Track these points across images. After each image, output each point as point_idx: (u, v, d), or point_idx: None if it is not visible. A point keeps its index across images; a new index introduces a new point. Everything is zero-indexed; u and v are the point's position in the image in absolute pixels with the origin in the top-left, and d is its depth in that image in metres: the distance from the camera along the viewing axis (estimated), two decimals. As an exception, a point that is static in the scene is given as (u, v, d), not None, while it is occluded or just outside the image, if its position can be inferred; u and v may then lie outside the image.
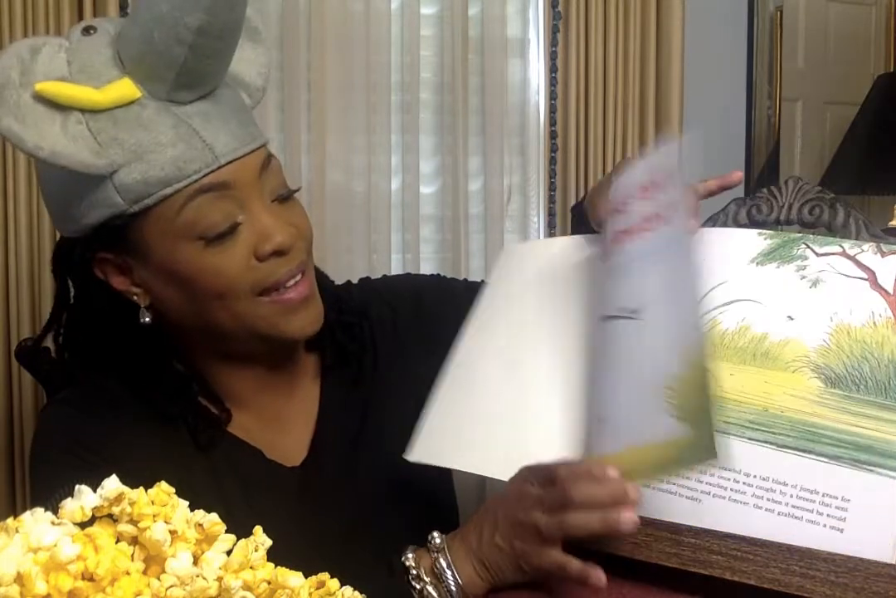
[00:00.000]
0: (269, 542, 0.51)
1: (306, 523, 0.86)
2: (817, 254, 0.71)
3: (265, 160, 0.81)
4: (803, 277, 0.71)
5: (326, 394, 0.93)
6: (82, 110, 0.75)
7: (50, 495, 0.55)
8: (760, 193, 0.76)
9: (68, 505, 0.47)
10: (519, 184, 1.86)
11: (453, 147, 1.76)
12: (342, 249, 1.71)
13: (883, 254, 0.69)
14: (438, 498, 0.94)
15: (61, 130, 0.74)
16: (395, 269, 1.78)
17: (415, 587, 0.75)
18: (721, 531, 0.66)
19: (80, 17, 1.50)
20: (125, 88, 0.75)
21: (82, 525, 0.47)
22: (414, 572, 0.75)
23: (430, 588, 0.75)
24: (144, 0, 0.74)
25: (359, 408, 0.94)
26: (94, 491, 0.48)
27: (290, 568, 0.51)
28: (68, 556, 0.44)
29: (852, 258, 0.70)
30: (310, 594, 0.51)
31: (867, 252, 0.69)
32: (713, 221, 0.78)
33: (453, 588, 0.75)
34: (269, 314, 0.81)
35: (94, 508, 0.47)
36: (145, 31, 0.73)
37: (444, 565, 0.75)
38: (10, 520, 0.46)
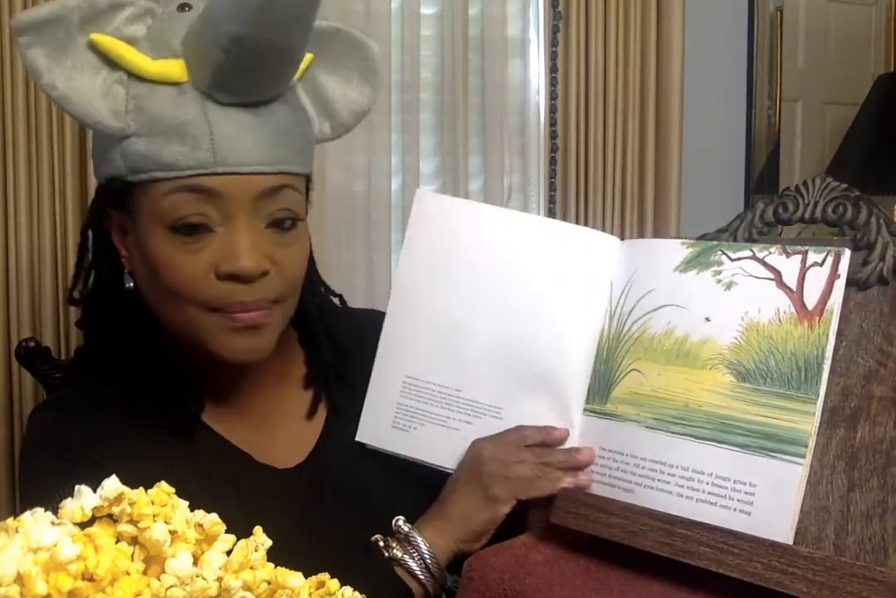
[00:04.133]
0: (269, 542, 0.51)
1: (301, 525, 0.85)
2: (731, 259, 0.75)
3: (274, 188, 0.78)
4: (719, 281, 0.75)
5: (330, 401, 0.94)
6: (129, 73, 0.77)
7: (37, 497, 0.54)
8: (788, 191, 0.78)
9: (68, 505, 0.47)
10: (519, 184, 1.86)
11: (453, 147, 1.76)
12: (342, 248, 1.71)
13: (788, 254, 0.73)
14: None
15: (101, 82, 0.76)
16: (395, 269, 1.78)
17: (384, 554, 0.80)
18: (710, 524, 0.68)
19: (80, 17, 1.50)
20: (175, 68, 0.77)
21: (82, 525, 0.47)
22: (381, 543, 0.81)
23: (396, 551, 0.80)
24: None
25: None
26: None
27: (287, 567, 0.51)
28: (68, 556, 0.44)
29: (761, 261, 0.74)
30: (310, 594, 0.51)
31: (774, 254, 0.73)
32: (740, 218, 0.80)
33: (422, 546, 0.80)
34: (214, 328, 0.79)
35: (94, 508, 0.47)
36: (199, 26, 0.76)
37: (407, 529, 0.81)
38: (10, 520, 0.46)
